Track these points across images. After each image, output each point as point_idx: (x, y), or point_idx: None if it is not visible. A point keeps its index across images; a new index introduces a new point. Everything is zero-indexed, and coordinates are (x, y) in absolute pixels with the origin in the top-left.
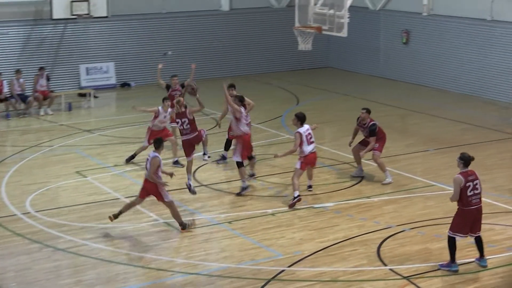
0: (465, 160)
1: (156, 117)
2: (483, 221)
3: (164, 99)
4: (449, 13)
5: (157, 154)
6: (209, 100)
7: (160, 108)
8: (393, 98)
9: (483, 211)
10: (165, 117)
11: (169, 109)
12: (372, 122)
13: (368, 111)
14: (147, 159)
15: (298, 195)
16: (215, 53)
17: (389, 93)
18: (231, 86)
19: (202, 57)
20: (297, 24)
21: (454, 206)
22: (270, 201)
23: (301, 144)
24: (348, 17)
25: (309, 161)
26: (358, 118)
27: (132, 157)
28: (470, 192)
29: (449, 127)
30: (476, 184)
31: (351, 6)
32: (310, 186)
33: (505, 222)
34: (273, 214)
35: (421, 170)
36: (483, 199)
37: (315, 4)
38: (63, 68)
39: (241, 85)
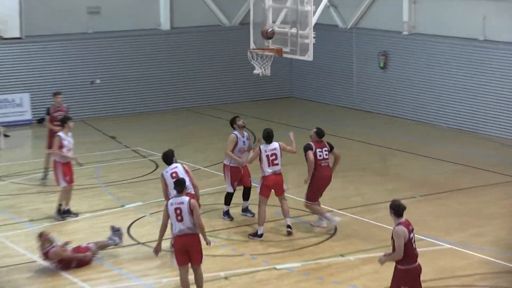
0: (396, 209)
1: (61, 146)
2: (481, 283)
3: (63, 120)
4: (435, 31)
5: (188, 197)
6: (147, 139)
7: (61, 134)
8: (369, 133)
9: (480, 271)
10: (69, 142)
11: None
12: (309, 143)
13: (318, 133)
14: (177, 208)
15: (261, 234)
16: (155, 82)
17: (365, 128)
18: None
19: (138, 86)
20: (252, 46)
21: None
22: (222, 261)
23: (261, 163)
24: (314, 37)
25: (269, 184)
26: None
27: (64, 211)
28: (413, 245)
29: (439, 168)
30: (414, 234)
31: (317, 24)
32: (289, 227)
33: (510, 285)
34: (226, 278)
35: None
36: (478, 255)
37: (274, 22)
38: None
39: (185, 120)
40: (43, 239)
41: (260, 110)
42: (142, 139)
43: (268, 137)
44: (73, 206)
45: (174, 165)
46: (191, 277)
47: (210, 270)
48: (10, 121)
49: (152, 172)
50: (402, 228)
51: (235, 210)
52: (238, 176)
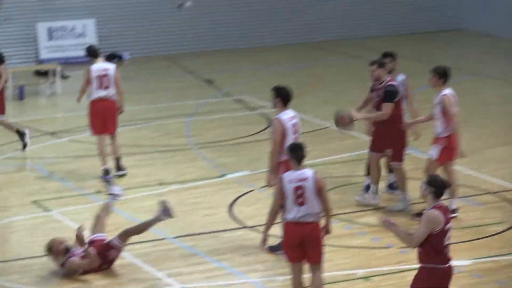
0: (438, 186)
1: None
2: None
3: None
4: None
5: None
6: (256, 84)
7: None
8: None
9: None
10: None
11: None
12: (391, 83)
13: (381, 64)
14: (298, 187)
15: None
16: (267, 7)
17: None
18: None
19: (245, 12)
20: None
21: None
22: (360, 255)
23: (446, 116)
24: None
25: (455, 145)
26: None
27: None
28: (446, 241)
29: None
30: (451, 229)
31: None
32: (454, 211)
33: None
34: (365, 278)
35: None
36: None
37: None
38: (10, 30)
39: (309, 59)
40: (56, 252)
41: (413, 49)
42: (249, 84)
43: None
44: (155, 174)
45: (291, 112)
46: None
47: (342, 267)
48: (68, 56)
49: (264, 130)
50: (436, 214)
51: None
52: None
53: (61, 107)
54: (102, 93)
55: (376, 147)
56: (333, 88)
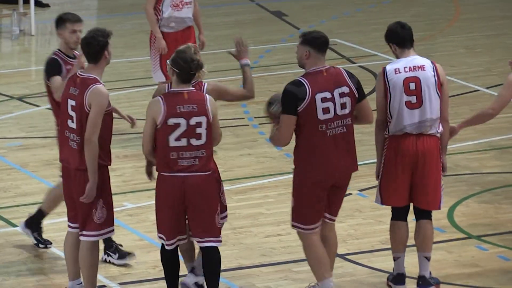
0: (182, 66)
1: None
2: None
3: None
4: None
5: None
6: None
7: None
8: None
9: None
10: None
11: None
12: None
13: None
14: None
15: None
16: None
17: None
18: None
19: None
20: None
21: None
22: None
23: None
24: None
25: None
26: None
27: None
28: (174, 142)
29: None
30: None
31: None
32: None
33: None
34: None
35: None
36: None
37: None
38: None
39: None
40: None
41: None
42: None
43: None
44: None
45: (411, 60)
46: None
47: None
48: None
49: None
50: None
51: None
52: None
53: (36, 55)
54: None
55: None
56: None
